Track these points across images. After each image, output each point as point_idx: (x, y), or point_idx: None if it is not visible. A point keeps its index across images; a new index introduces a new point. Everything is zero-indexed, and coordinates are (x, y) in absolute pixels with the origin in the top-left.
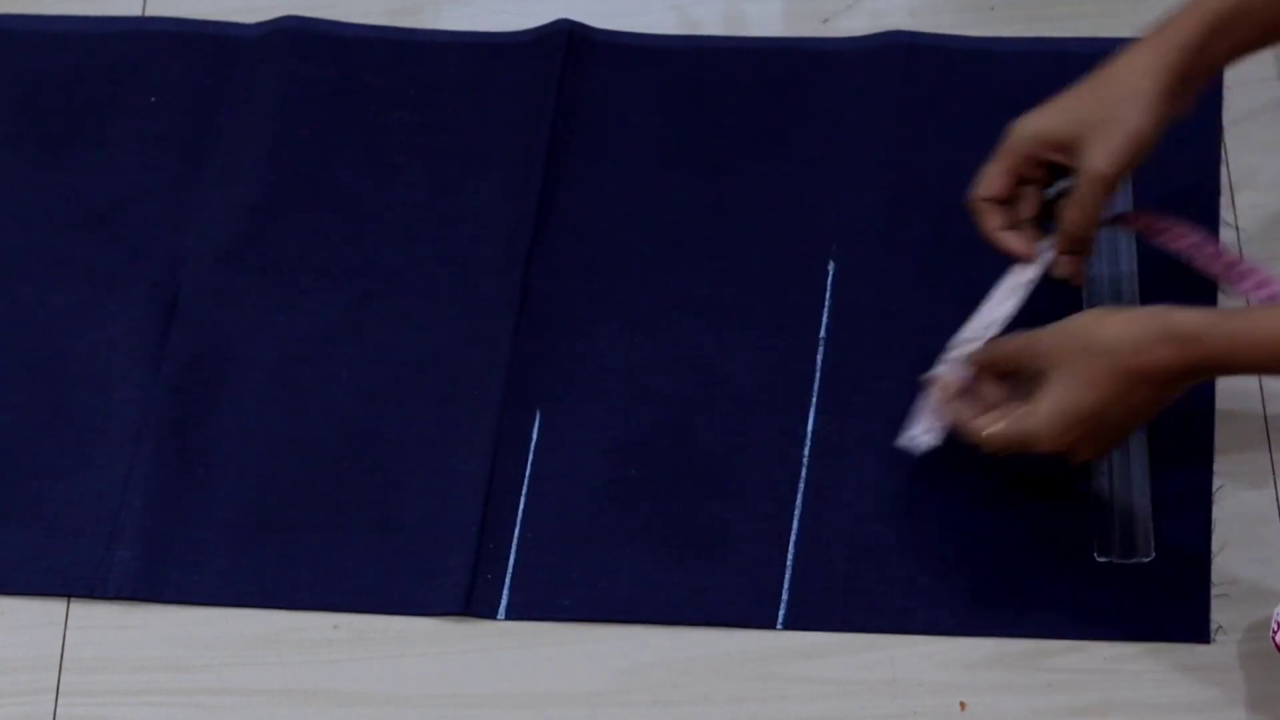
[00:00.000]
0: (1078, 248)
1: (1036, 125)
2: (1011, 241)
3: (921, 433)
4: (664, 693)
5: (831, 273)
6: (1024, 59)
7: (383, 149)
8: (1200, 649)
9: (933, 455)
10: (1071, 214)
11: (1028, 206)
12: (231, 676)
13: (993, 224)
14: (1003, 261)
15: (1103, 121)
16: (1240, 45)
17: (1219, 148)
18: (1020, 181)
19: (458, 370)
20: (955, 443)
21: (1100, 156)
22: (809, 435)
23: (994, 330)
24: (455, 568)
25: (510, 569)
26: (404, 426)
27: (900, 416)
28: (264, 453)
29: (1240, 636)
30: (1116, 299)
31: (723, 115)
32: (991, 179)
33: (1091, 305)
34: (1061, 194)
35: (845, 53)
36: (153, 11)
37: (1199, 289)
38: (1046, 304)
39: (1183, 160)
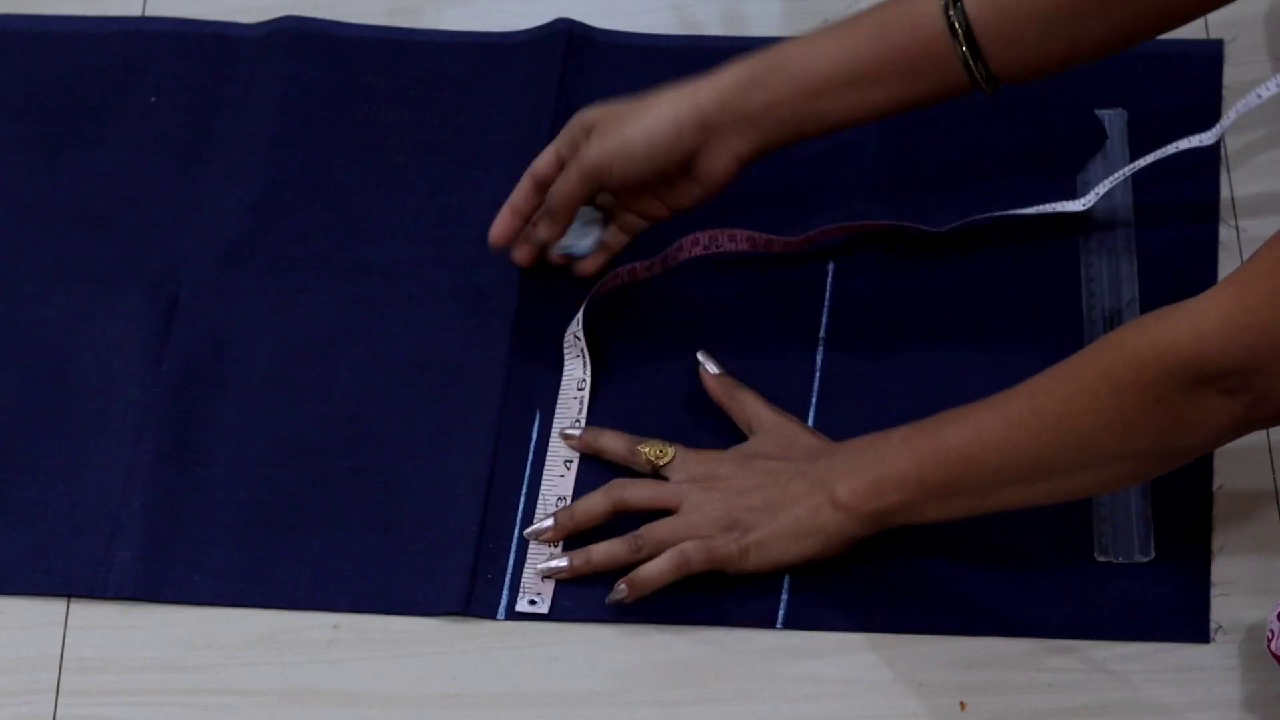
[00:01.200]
0: (551, 218)
1: (589, 112)
2: (504, 219)
3: (528, 602)
4: (664, 693)
5: (831, 272)
6: None
7: (382, 149)
8: (1200, 649)
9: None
10: (555, 185)
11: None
12: (231, 676)
13: (517, 199)
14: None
15: (616, 119)
16: (777, 100)
17: (1218, 147)
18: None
19: (458, 370)
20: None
21: (595, 143)
22: None
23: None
24: (455, 568)
25: (510, 569)
26: (404, 426)
27: (900, 416)
28: (264, 453)
29: (1240, 636)
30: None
31: None
32: (544, 159)
33: (1091, 325)
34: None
35: None
36: (153, 11)
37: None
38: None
39: (1184, 161)
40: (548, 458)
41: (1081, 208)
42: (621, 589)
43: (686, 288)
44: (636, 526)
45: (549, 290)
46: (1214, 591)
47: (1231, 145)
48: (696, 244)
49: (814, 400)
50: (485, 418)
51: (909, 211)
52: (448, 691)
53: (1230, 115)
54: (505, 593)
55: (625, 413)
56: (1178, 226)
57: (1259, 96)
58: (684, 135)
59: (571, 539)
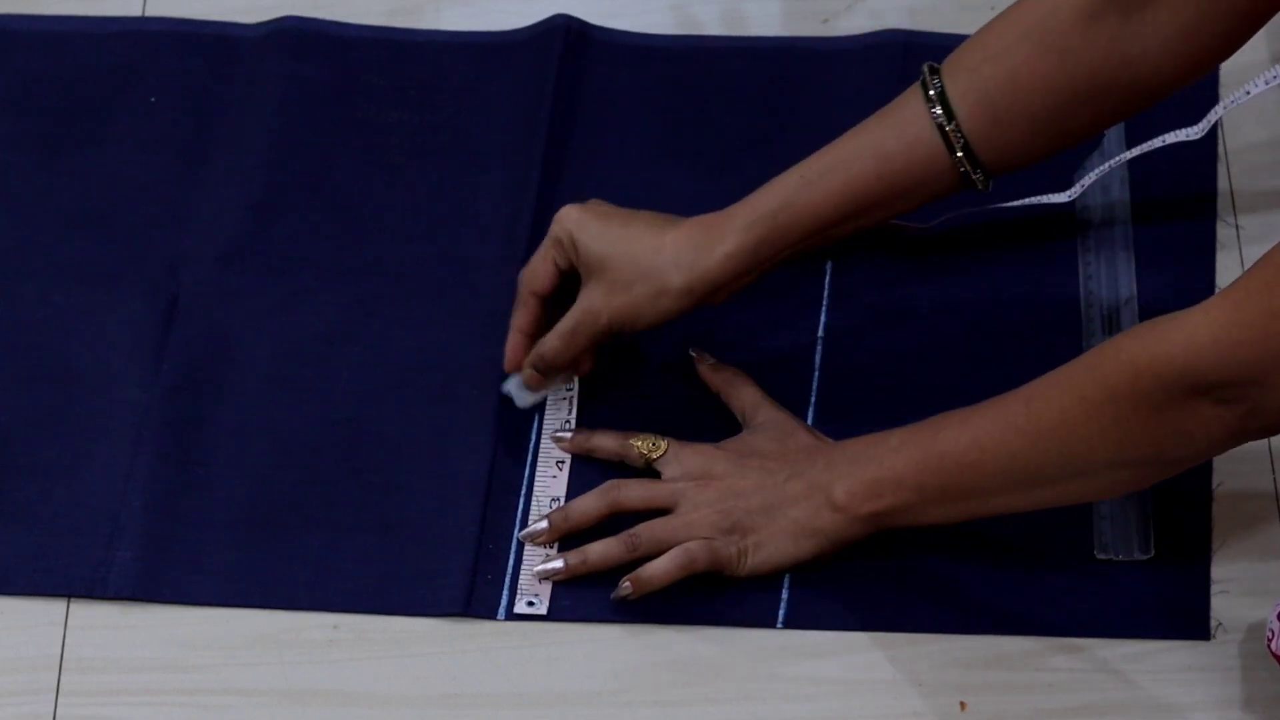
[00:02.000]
0: (545, 371)
1: (579, 232)
2: (513, 345)
3: (526, 603)
4: (664, 693)
5: (830, 272)
6: None
7: (383, 149)
8: (1200, 647)
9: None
10: (554, 341)
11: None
12: (231, 676)
13: (522, 322)
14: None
15: (621, 279)
16: (789, 249)
17: (1216, 144)
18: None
19: (457, 370)
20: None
21: (599, 307)
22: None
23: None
24: (455, 568)
25: (510, 569)
26: (404, 426)
27: (899, 415)
28: (264, 453)
29: (1241, 635)
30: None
31: (721, 114)
32: (543, 274)
33: (1089, 323)
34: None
35: (844, 52)
36: (153, 11)
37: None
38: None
39: (1181, 160)
40: (539, 459)
41: (1067, 199)
42: (626, 586)
43: None
44: (631, 524)
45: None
46: (1214, 589)
47: (1230, 143)
48: None
49: (813, 400)
50: (485, 418)
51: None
52: (448, 691)
53: (1219, 110)
54: (505, 593)
55: (617, 414)
56: (1176, 225)
57: (1247, 93)
58: (696, 303)
59: (567, 539)
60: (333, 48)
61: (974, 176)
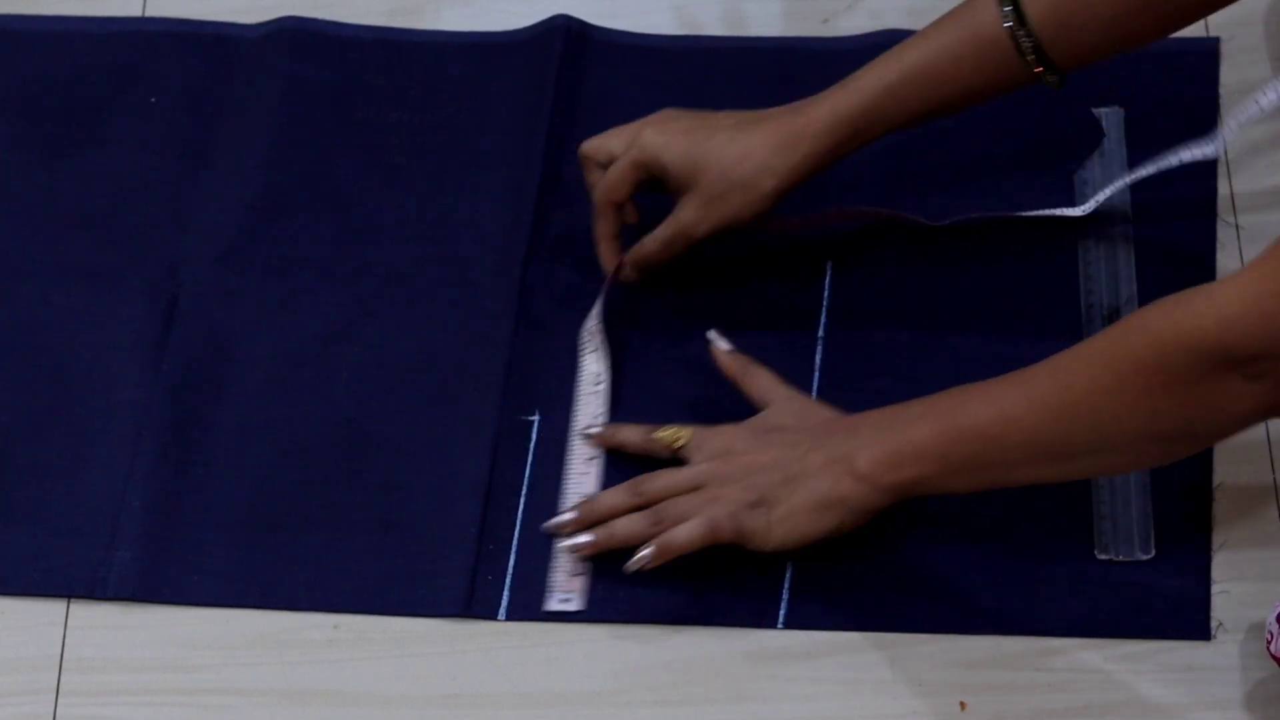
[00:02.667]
0: (643, 274)
1: (662, 149)
2: (606, 252)
3: (560, 601)
4: (664, 693)
5: (829, 272)
6: None
7: (383, 149)
8: (1201, 647)
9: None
10: (652, 248)
11: (630, 213)
12: (231, 676)
13: (606, 229)
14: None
15: (715, 193)
16: (868, 144)
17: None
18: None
19: (457, 370)
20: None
21: (695, 219)
22: None
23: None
24: (455, 569)
25: (510, 570)
26: (404, 427)
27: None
28: (264, 453)
29: (1241, 635)
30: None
31: None
32: (621, 187)
33: (1089, 323)
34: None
35: (844, 52)
36: (153, 11)
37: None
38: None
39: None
40: (569, 456)
41: (1080, 214)
42: (647, 552)
43: (683, 287)
44: None
45: (549, 290)
46: (1215, 589)
47: (1231, 146)
48: None
49: (814, 394)
50: (485, 418)
51: (907, 209)
52: (448, 691)
53: (1231, 126)
54: (506, 593)
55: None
56: (1176, 224)
57: (1258, 106)
58: (784, 197)
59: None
60: (333, 48)
61: (1048, 79)
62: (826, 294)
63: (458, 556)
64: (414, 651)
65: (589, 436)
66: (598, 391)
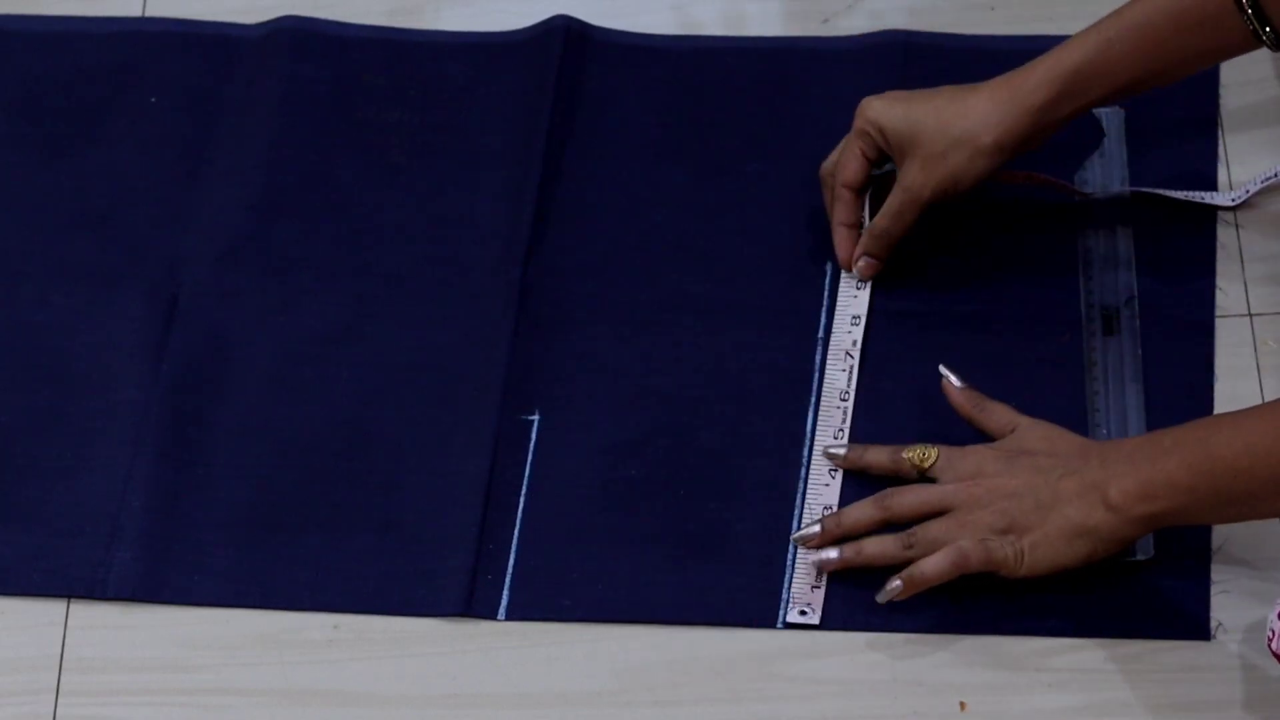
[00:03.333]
0: (880, 252)
1: (884, 118)
2: (844, 241)
3: (799, 613)
4: (664, 693)
5: (830, 272)
6: (1023, 59)
7: (382, 149)
8: (1200, 647)
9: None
10: (884, 223)
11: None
12: (231, 676)
13: (846, 216)
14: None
15: (935, 151)
16: (1086, 106)
17: (1217, 146)
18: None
19: (457, 370)
20: (954, 444)
21: (921, 182)
22: (809, 435)
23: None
24: (455, 568)
25: (510, 569)
26: (403, 427)
27: (899, 415)
28: (264, 453)
29: (1241, 634)
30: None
31: (721, 115)
32: (853, 168)
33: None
34: (884, 176)
35: (844, 52)
36: (153, 11)
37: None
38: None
39: (1181, 159)
40: (812, 467)
41: (1230, 203)
42: (896, 585)
43: (686, 287)
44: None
45: (549, 290)
46: (1214, 590)
47: (1231, 144)
48: None
49: (813, 400)
50: (485, 418)
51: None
52: (448, 691)
53: (1256, 184)
54: (505, 593)
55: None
56: (1176, 225)
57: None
58: (1007, 158)
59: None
60: (332, 48)
61: (1263, 37)
62: (826, 294)
63: (457, 556)
64: (414, 651)
65: (833, 456)
66: (842, 408)
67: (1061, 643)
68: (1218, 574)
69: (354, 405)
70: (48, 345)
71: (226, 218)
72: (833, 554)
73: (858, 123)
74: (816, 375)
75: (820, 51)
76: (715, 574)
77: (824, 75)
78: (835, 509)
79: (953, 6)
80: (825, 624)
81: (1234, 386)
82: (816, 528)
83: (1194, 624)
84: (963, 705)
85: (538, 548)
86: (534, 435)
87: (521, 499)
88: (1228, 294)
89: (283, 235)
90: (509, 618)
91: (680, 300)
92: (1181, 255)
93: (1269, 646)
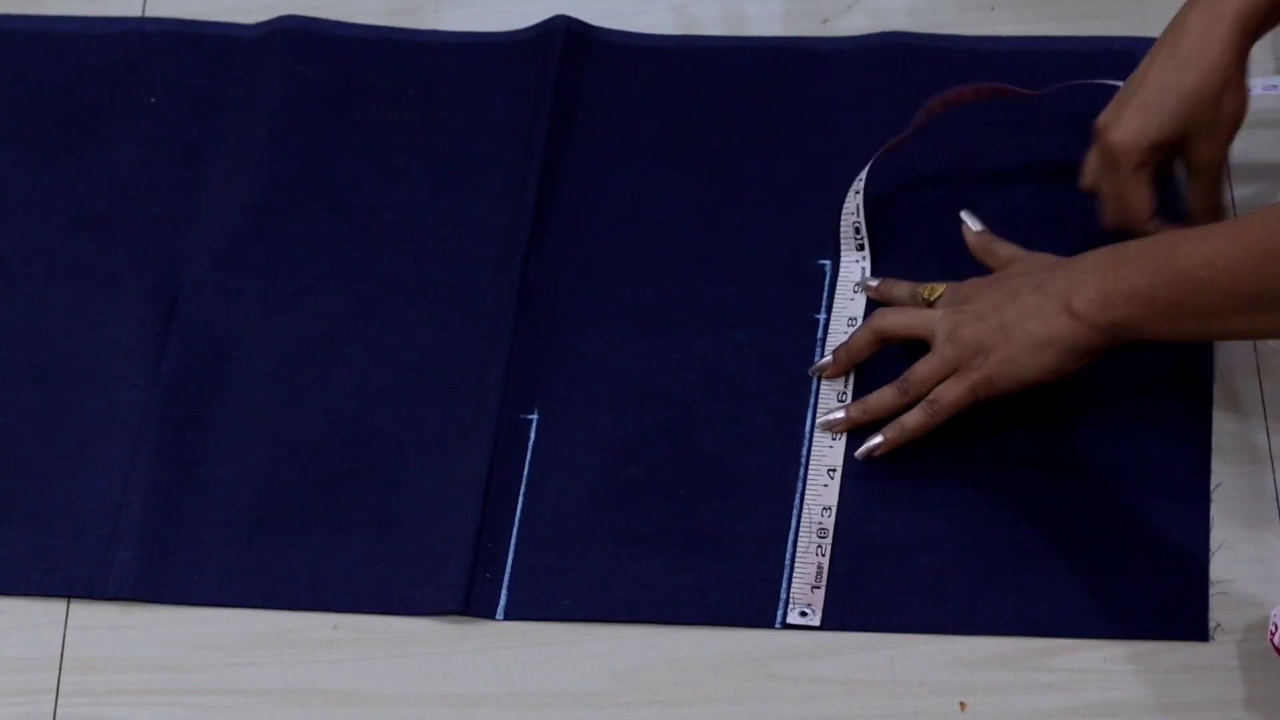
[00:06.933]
0: (1213, 214)
1: (1146, 136)
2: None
3: (799, 614)
4: (664, 693)
5: (829, 273)
6: (1023, 59)
7: (382, 149)
8: (1200, 648)
9: (933, 454)
10: (1200, 192)
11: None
12: (231, 676)
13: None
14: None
15: (1209, 119)
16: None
17: None
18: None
19: (456, 370)
20: (955, 443)
21: (1213, 149)
22: (808, 435)
23: None
24: (454, 567)
25: (509, 569)
26: (403, 426)
27: (898, 414)
28: (264, 453)
29: (1239, 635)
30: None
31: (720, 115)
32: (1145, 199)
33: None
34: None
35: (844, 53)
36: (153, 11)
37: None
38: None
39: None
40: (810, 465)
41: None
42: (877, 440)
43: (685, 287)
44: None
45: (549, 290)
46: (1213, 590)
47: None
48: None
49: (812, 401)
50: (484, 418)
51: (907, 210)
52: (448, 691)
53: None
54: (504, 592)
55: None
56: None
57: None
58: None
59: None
60: (332, 48)
61: None
62: (826, 294)
63: (456, 555)
64: (414, 651)
65: (870, 287)
66: (854, 299)
67: (1061, 643)
68: (1217, 574)
69: (354, 405)
70: (48, 345)
71: (226, 218)
72: (839, 415)
73: (1131, 165)
74: (816, 375)
75: (820, 51)
76: (715, 574)
77: (824, 75)
78: (834, 511)
79: (953, 6)
80: (825, 624)
81: (1234, 386)
82: (840, 413)
83: (1193, 624)
84: (963, 705)
85: (537, 547)
86: (533, 435)
87: (520, 498)
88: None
89: (283, 235)
90: (508, 617)
91: (680, 300)
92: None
93: (1271, 641)
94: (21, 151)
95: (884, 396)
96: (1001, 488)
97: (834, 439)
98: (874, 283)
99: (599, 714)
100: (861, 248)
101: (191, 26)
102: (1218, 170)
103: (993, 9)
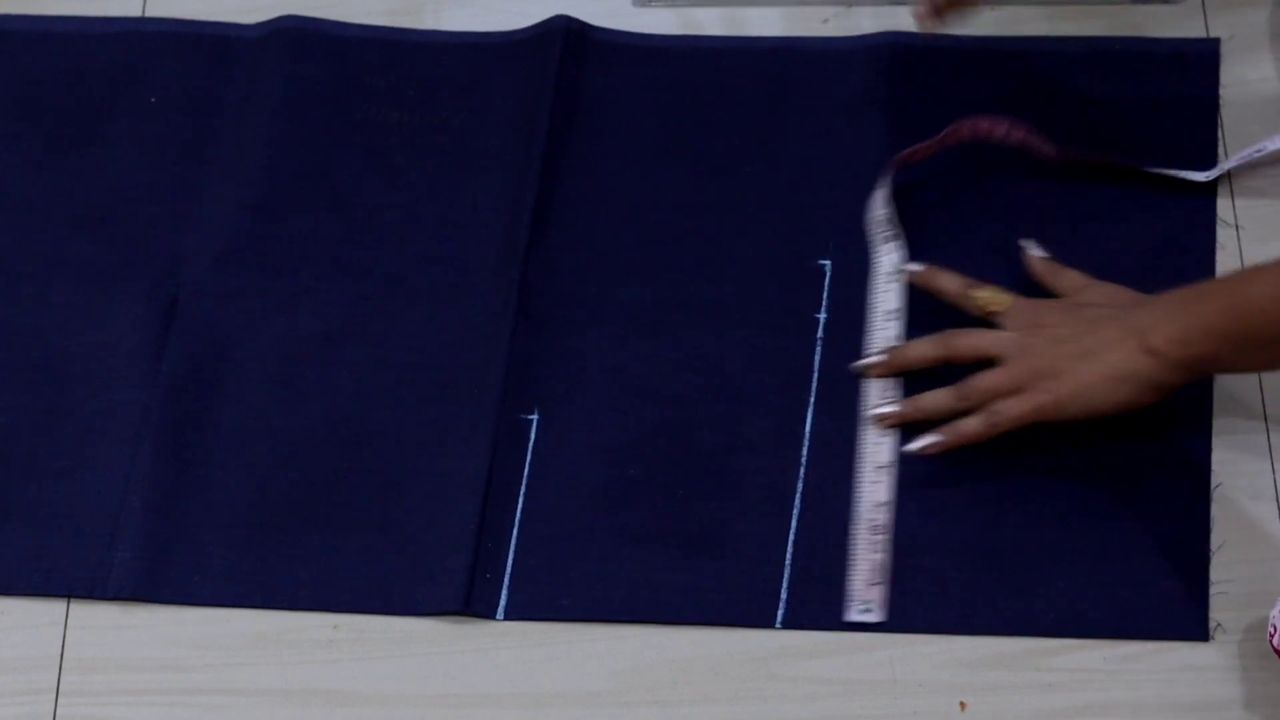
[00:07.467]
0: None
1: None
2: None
3: (860, 610)
4: (664, 693)
5: (829, 272)
6: (1022, 59)
7: (382, 149)
8: (1200, 648)
9: (933, 456)
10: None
11: None
12: (231, 676)
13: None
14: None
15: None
16: None
17: (1217, 145)
18: None
19: (456, 370)
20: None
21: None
22: (808, 435)
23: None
24: (454, 567)
25: (509, 568)
26: (403, 426)
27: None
28: (264, 453)
29: (1239, 635)
30: None
31: (720, 114)
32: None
33: None
34: None
35: (844, 53)
36: (153, 11)
37: None
38: None
39: (1180, 158)
40: (866, 459)
41: (1204, 179)
42: (936, 438)
43: (685, 287)
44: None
45: (549, 290)
46: (1213, 590)
47: (1231, 144)
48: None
49: (812, 401)
50: (484, 417)
51: (908, 210)
52: (448, 691)
53: (1231, 161)
54: (504, 592)
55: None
56: (1176, 225)
57: (1260, 150)
58: None
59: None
60: (332, 48)
61: None
62: (826, 294)
63: (456, 555)
64: (414, 651)
65: (912, 273)
66: (889, 291)
67: (1061, 643)
68: (1217, 574)
69: (354, 405)
70: (48, 345)
71: (226, 218)
72: (893, 408)
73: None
74: (816, 375)
75: (820, 51)
76: (715, 574)
77: (824, 75)
78: (886, 505)
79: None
80: (824, 624)
81: (1233, 387)
82: (880, 357)
83: (1193, 624)
84: (963, 705)
85: (537, 547)
86: (533, 435)
87: (521, 498)
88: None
89: (283, 235)
90: (508, 617)
91: (680, 300)
92: (1181, 255)
93: (1270, 643)
94: (21, 151)
95: (939, 398)
96: (1002, 488)
97: (881, 435)
98: (916, 268)
99: (599, 714)
100: (892, 238)
101: (191, 26)
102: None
103: (993, 9)
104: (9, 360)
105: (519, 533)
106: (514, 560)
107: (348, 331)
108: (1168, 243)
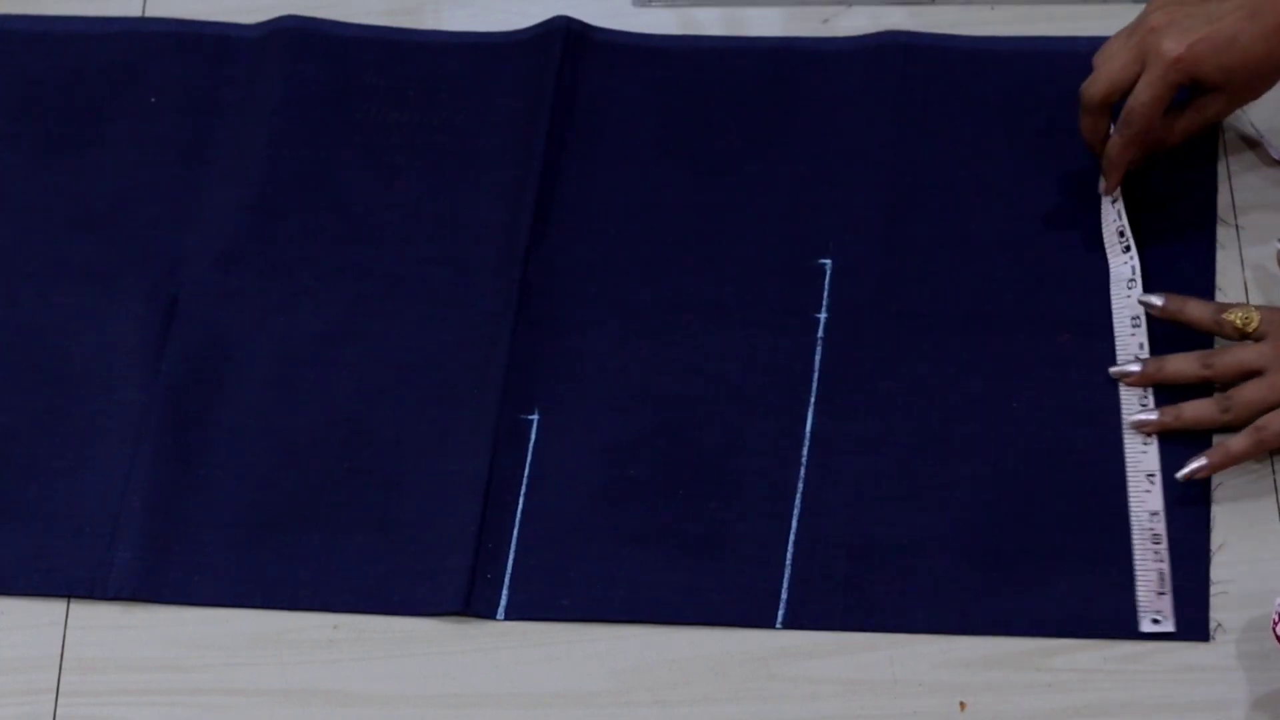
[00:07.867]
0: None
1: (1199, 68)
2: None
3: (1151, 621)
4: (664, 693)
5: (829, 272)
6: (1023, 59)
7: (382, 149)
8: (1200, 648)
9: (933, 454)
10: (1177, 140)
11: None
12: (231, 676)
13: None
14: (1003, 263)
15: (1249, 87)
16: None
17: (1217, 145)
18: None
19: (456, 370)
20: (955, 444)
21: (1227, 110)
22: (808, 435)
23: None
24: (454, 567)
25: (509, 569)
26: (403, 426)
27: (900, 416)
28: (264, 453)
29: (1239, 635)
30: None
31: (720, 115)
32: (1158, 110)
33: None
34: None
35: (844, 53)
36: (153, 11)
37: None
38: None
39: (1180, 157)
40: (1127, 435)
41: None
42: (1201, 463)
43: (685, 287)
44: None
45: (549, 290)
46: (1213, 590)
47: (1231, 144)
48: None
49: (812, 401)
50: (485, 417)
51: (908, 210)
52: (448, 691)
53: None
54: (505, 592)
55: None
56: (1176, 225)
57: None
58: None
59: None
60: (332, 48)
61: None
62: (826, 294)
63: (457, 555)
64: (414, 651)
65: (1152, 306)
66: (1130, 298)
67: (1061, 643)
68: (1217, 574)
69: (354, 405)
70: (48, 345)
71: (226, 218)
72: (1152, 416)
73: (1170, 74)
74: (816, 375)
75: (820, 51)
76: (715, 574)
77: (824, 75)
78: (1162, 514)
79: (953, 6)
80: (825, 624)
81: None
82: (1136, 366)
83: (1193, 624)
84: (963, 705)
85: (537, 547)
86: (533, 435)
87: (521, 498)
88: (1227, 294)
89: (282, 235)
90: (508, 617)
91: (680, 300)
92: (1181, 255)
93: (1274, 630)
94: (21, 151)
95: (1201, 409)
96: (1002, 488)
97: (1146, 443)
98: (1158, 300)
99: (599, 714)
100: (1128, 249)
101: (191, 26)
102: (1211, 127)
103: (993, 9)
104: (9, 360)
105: (519, 533)
106: (514, 560)
107: (347, 332)
108: (1168, 243)
